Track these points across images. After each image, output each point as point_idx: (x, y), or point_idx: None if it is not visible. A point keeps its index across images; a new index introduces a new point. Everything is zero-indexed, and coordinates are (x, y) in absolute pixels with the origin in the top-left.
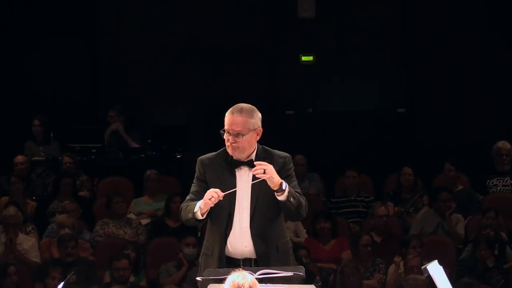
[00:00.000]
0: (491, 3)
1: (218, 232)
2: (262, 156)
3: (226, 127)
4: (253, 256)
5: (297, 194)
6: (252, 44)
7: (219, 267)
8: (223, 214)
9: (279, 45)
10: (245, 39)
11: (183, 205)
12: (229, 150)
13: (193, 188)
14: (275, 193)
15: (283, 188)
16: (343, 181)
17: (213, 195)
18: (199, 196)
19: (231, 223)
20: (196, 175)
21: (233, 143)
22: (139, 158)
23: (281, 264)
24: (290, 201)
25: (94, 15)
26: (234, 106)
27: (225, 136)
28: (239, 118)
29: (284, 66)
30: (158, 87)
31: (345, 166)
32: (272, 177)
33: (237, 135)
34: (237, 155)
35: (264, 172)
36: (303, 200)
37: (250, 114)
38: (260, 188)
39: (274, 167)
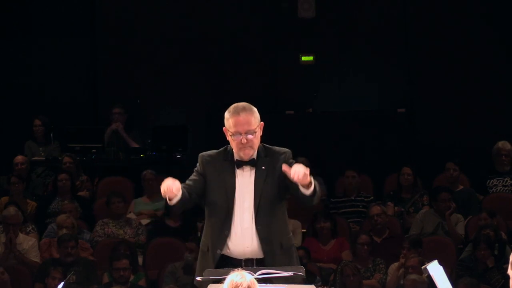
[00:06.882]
0: (492, 3)
1: (215, 232)
2: (263, 154)
3: (235, 129)
4: (255, 256)
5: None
6: (252, 44)
7: (214, 264)
8: (220, 214)
9: (279, 45)
10: (245, 39)
11: None
12: (244, 152)
13: (190, 177)
14: (301, 188)
15: (312, 184)
16: (343, 181)
17: (166, 187)
18: (194, 184)
19: (229, 224)
20: (196, 168)
21: (249, 142)
22: (139, 158)
23: (286, 260)
24: (313, 196)
25: (94, 15)
26: (233, 107)
27: (236, 139)
28: (247, 117)
29: (284, 66)
30: (158, 87)
31: (345, 166)
32: (306, 177)
33: (250, 133)
34: (248, 155)
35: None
36: (317, 187)
37: (252, 110)
38: (262, 187)
39: (276, 164)
